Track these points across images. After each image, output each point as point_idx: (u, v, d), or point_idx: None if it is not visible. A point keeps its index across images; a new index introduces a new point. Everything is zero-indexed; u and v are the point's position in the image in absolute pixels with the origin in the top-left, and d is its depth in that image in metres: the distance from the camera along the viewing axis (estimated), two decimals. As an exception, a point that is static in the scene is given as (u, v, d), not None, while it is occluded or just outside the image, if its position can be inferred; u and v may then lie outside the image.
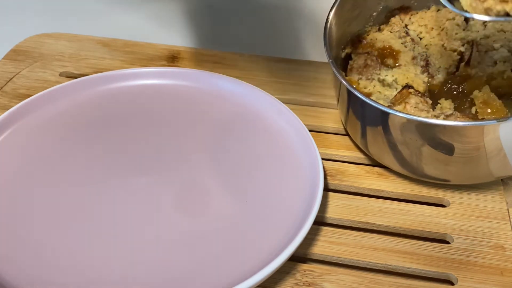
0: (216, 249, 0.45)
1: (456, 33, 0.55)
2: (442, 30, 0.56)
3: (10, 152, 0.53)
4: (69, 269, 0.43)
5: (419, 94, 0.49)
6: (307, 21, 0.86)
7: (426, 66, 0.54)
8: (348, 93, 0.49)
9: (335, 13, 0.54)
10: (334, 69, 0.49)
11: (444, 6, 0.54)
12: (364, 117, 0.50)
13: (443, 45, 0.56)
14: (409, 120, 0.44)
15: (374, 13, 0.59)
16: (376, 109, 0.46)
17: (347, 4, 0.55)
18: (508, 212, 0.51)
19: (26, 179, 0.51)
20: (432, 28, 0.57)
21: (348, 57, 0.58)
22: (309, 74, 0.68)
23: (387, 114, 0.45)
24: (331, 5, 0.55)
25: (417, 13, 0.58)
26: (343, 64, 0.57)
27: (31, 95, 0.58)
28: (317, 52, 0.78)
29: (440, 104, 0.51)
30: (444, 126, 0.44)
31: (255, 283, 0.40)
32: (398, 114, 0.45)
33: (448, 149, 0.46)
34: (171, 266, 0.44)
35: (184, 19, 0.86)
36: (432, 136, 0.45)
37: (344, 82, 0.48)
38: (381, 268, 0.46)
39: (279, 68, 0.68)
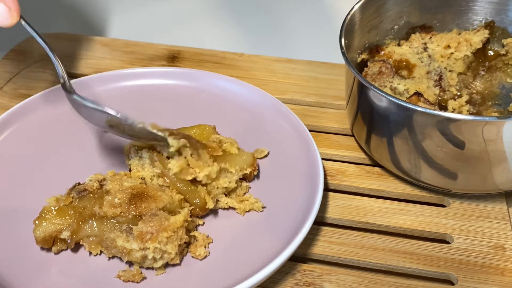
0: (216, 249, 0.45)
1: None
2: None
3: (10, 152, 0.53)
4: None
5: (428, 103, 0.50)
6: (308, 22, 0.86)
7: (439, 81, 0.55)
8: (360, 86, 0.49)
9: (356, 14, 0.54)
10: (345, 61, 0.49)
11: (465, 30, 0.58)
12: (373, 112, 0.49)
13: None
14: (418, 112, 0.44)
15: (395, 27, 0.59)
16: (388, 100, 0.45)
17: (370, 9, 0.56)
18: (508, 212, 0.51)
19: (26, 179, 0.51)
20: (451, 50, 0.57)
21: (364, 64, 0.57)
22: (309, 74, 0.68)
23: (397, 104, 0.45)
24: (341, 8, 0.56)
25: (438, 33, 0.59)
26: (357, 70, 0.57)
27: (31, 95, 0.58)
28: (318, 52, 0.78)
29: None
30: (450, 120, 0.43)
31: (255, 283, 0.40)
32: (409, 106, 0.44)
33: (453, 149, 0.45)
34: (171, 266, 0.44)
35: (184, 19, 0.86)
36: (438, 133, 0.45)
37: (352, 69, 0.48)
38: (381, 268, 0.46)
39: (279, 68, 0.69)
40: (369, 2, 0.55)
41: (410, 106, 0.44)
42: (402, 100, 0.45)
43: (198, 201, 0.46)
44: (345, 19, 0.53)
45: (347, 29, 0.52)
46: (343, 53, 0.50)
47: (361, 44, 0.57)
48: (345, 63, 0.50)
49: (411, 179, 0.51)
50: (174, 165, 0.45)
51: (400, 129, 0.47)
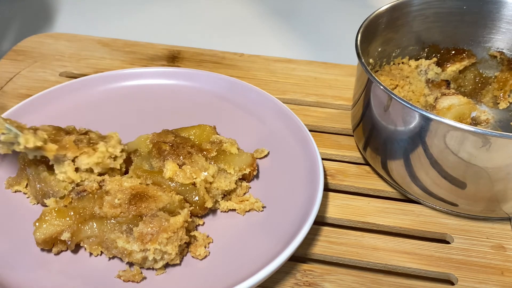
0: (216, 249, 0.45)
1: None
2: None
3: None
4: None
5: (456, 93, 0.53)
6: (307, 23, 0.86)
7: (448, 86, 0.57)
8: (372, 87, 0.47)
9: (373, 21, 0.53)
10: (361, 64, 0.48)
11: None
12: (378, 115, 0.48)
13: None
14: (433, 121, 0.42)
15: (410, 47, 0.59)
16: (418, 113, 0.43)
17: (387, 25, 0.55)
18: (509, 212, 0.51)
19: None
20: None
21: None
22: (309, 74, 0.68)
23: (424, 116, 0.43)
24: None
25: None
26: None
27: (31, 95, 0.58)
28: (317, 52, 0.78)
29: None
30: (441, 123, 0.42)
31: (255, 283, 0.40)
32: (423, 112, 0.42)
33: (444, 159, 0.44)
34: (171, 266, 0.44)
35: (184, 19, 0.86)
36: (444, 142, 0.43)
37: (366, 70, 0.46)
38: (381, 268, 0.46)
39: (279, 68, 0.69)
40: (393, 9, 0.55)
41: (444, 120, 0.42)
42: (433, 114, 0.42)
43: (197, 198, 0.46)
44: (363, 23, 0.51)
45: (364, 34, 0.51)
46: (358, 56, 0.48)
47: (373, 50, 0.56)
48: (363, 68, 0.48)
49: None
50: (167, 170, 0.46)
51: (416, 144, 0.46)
